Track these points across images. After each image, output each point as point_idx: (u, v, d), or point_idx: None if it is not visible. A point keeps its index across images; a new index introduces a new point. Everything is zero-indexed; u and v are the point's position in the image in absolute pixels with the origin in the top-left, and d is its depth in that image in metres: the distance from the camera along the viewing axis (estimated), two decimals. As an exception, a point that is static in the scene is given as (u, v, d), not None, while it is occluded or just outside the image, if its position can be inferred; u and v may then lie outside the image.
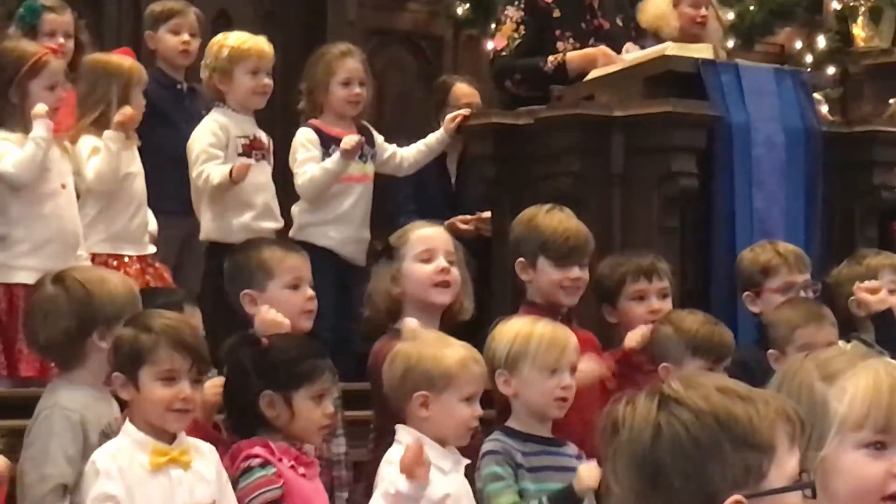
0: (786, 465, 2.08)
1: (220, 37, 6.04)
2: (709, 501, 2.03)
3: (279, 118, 6.12)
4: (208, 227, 5.84)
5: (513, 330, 4.46)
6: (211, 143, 5.78)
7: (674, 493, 2.04)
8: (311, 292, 4.74)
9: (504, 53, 6.48)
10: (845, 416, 2.39)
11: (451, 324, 4.83)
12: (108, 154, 5.53)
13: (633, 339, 4.94)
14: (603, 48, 6.29)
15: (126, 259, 5.64)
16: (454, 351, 4.25)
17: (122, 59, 5.80)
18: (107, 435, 4.03)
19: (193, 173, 5.79)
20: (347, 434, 4.63)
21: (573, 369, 4.42)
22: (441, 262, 4.81)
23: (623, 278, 5.12)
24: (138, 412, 3.87)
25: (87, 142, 5.59)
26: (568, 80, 6.18)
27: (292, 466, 4.02)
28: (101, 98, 5.64)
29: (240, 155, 5.79)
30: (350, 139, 5.76)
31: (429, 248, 4.83)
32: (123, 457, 3.79)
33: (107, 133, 5.54)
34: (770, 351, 4.95)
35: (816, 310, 5.06)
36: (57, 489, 3.98)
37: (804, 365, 2.52)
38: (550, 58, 6.32)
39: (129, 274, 5.46)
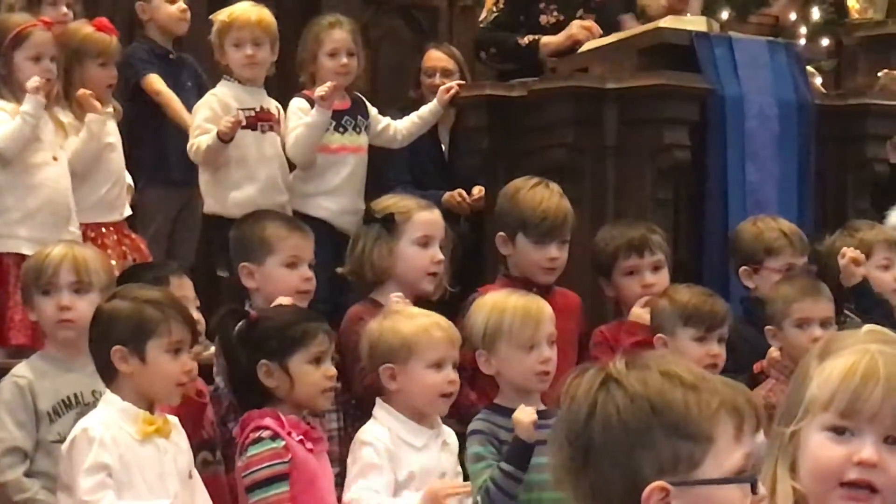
0: (726, 458, 2.03)
1: (219, 11, 6.03)
2: (634, 486, 2.00)
3: (274, 89, 6.11)
4: (210, 200, 5.84)
5: (486, 307, 4.45)
6: (206, 117, 5.77)
7: (601, 473, 2.02)
8: (308, 273, 4.79)
9: (482, 25, 6.55)
10: (815, 395, 2.34)
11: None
12: (87, 135, 5.52)
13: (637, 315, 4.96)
14: (579, 23, 6.32)
15: (104, 230, 5.64)
16: (414, 321, 4.27)
17: (77, 30, 5.76)
18: (67, 406, 4.11)
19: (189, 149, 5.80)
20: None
21: (551, 341, 4.42)
22: (437, 252, 4.85)
23: (616, 254, 5.13)
24: (138, 385, 3.89)
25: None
26: (538, 59, 6.26)
27: (301, 441, 4.04)
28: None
29: (243, 128, 5.77)
30: (322, 87, 5.77)
31: (428, 234, 4.86)
32: (113, 426, 3.83)
33: (90, 116, 5.52)
34: (767, 327, 4.96)
35: (812, 284, 5.06)
36: (12, 452, 4.04)
37: (821, 341, 2.49)
38: (528, 37, 6.38)
39: (106, 244, 5.52)
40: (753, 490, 2.06)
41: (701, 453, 2.02)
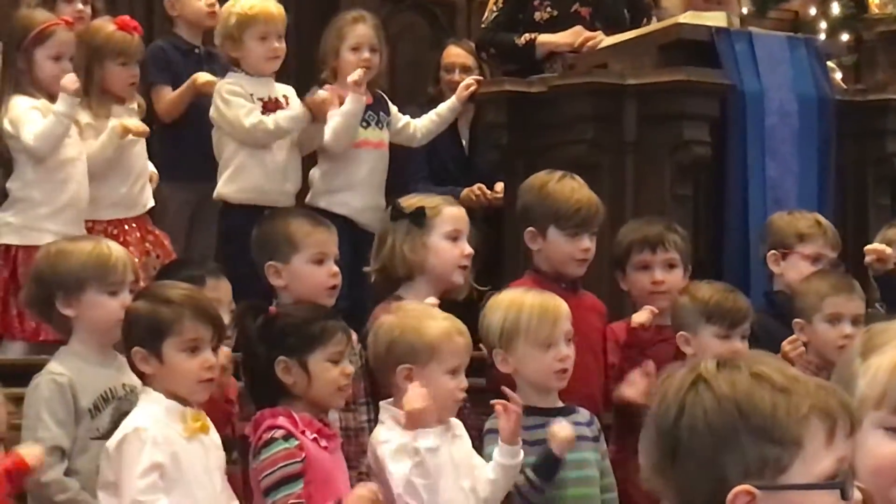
0: (816, 462, 2.00)
1: (229, 3, 6.00)
2: (719, 488, 1.98)
3: (292, 84, 6.10)
4: (221, 185, 5.84)
5: (503, 306, 4.42)
6: (240, 104, 5.76)
7: (687, 474, 2.01)
8: (335, 268, 4.75)
9: (484, 26, 6.56)
10: (865, 394, 2.31)
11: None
12: (108, 140, 5.55)
13: (637, 319, 4.91)
14: (577, 29, 6.31)
15: (126, 227, 5.65)
16: (438, 323, 4.22)
17: (99, 28, 5.75)
18: (106, 400, 4.08)
19: (246, 123, 5.72)
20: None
21: (569, 338, 4.40)
22: (466, 246, 4.82)
23: (629, 247, 5.10)
24: (162, 384, 3.88)
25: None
26: (536, 58, 6.27)
27: (315, 439, 4.01)
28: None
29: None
30: (353, 74, 5.79)
31: (457, 227, 4.83)
32: (162, 424, 3.82)
33: (112, 121, 5.54)
34: (796, 320, 4.94)
35: (846, 280, 5.02)
36: (52, 451, 3.98)
37: (858, 337, 2.45)
38: (526, 35, 6.39)
39: (129, 241, 5.52)
40: (844, 496, 2.02)
41: (789, 458, 1.99)
